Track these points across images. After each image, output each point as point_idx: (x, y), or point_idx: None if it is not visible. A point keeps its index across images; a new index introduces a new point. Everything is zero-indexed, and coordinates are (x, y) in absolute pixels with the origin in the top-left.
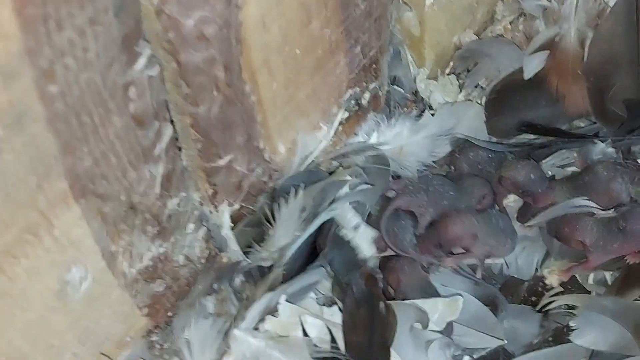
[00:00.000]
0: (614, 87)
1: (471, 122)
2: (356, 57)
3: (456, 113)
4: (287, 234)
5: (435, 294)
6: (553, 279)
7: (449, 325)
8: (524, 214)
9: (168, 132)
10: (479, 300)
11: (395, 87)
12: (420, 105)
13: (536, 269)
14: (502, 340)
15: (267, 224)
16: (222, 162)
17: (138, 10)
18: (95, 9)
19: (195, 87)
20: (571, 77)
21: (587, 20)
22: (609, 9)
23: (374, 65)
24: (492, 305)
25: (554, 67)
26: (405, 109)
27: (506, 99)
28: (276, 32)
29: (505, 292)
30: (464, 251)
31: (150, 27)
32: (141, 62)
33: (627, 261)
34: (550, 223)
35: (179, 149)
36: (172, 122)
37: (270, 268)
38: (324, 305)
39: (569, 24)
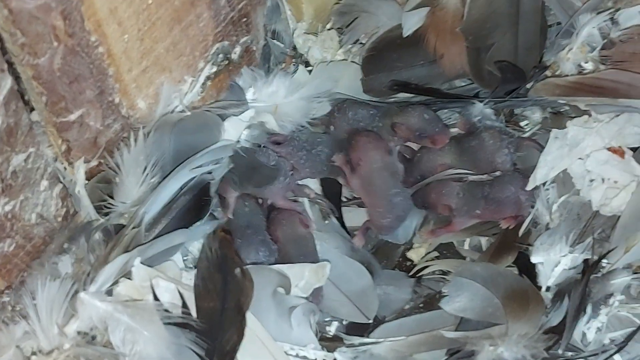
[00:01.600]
0: (492, 47)
1: (349, 81)
2: (222, 10)
3: (333, 73)
4: (135, 182)
5: (313, 251)
6: (419, 240)
7: (316, 291)
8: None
9: (6, 84)
10: None
11: (275, 41)
12: (298, 60)
13: (413, 233)
14: (369, 320)
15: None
16: (72, 117)
17: None
18: None
19: (32, 36)
20: (450, 35)
21: None
22: None
23: (245, 19)
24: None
25: (433, 24)
26: (283, 65)
27: (383, 56)
28: None
29: (379, 257)
30: None
31: None
32: None
33: (501, 226)
34: (418, 192)
35: (27, 102)
36: (14, 70)
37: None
38: (192, 268)
39: None
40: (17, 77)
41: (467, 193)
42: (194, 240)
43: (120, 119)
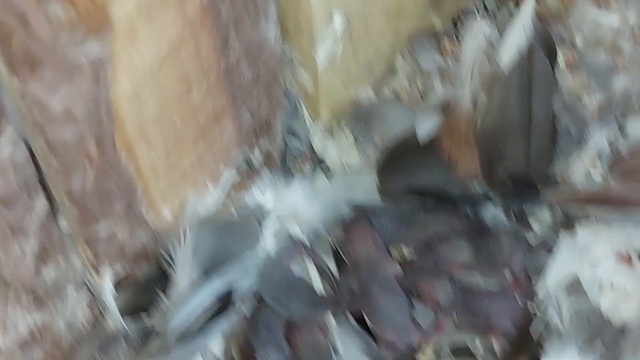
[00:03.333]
0: (504, 157)
1: (366, 189)
2: (245, 122)
3: (352, 180)
4: (185, 279)
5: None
6: None
7: None
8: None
9: (40, 204)
10: None
11: (292, 139)
12: (315, 159)
13: None
14: None
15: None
16: (101, 230)
17: None
18: None
19: (66, 161)
20: (464, 142)
21: (481, 85)
22: (503, 75)
23: (266, 127)
24: None
25: (447, 131)
26: (300, 163)
27: (398, 161)
28: (152, 104)
29: None
30: None
31: (15, 106)
32: (2, 141)
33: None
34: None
35: (55, 215)
36: (46, 190)
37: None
38: None
39: (464, 87)
40: (49, 196)
41: (459, 296)
42: (213, 338)
43: (146, 229)
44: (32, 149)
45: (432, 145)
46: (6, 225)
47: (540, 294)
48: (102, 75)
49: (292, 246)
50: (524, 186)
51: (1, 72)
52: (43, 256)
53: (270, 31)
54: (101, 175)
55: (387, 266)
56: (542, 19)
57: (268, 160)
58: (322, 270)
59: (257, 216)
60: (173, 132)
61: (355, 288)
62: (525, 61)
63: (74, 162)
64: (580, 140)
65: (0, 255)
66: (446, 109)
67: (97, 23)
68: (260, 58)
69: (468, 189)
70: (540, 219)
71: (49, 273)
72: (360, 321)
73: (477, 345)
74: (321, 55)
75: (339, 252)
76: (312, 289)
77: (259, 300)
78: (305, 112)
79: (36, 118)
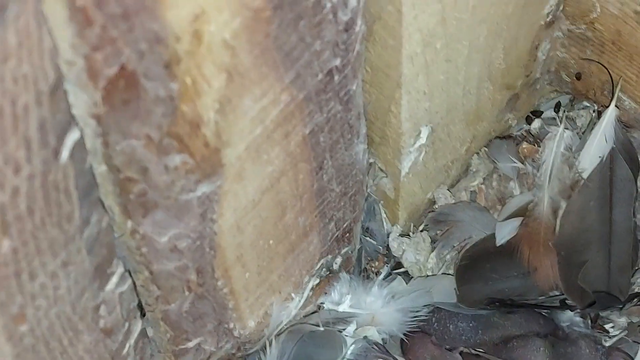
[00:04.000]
0: (585, 264)
1: (443, 293)
2: (329, 232)
3: (429, 284)
4: None
5: None
6: None
7: None
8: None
9: (137, 328)
10: None
11: (368, 238)
12: (391, 261)
13: None
14: None
15: None
16: (190, 345)
17: (111, 236)
18: (69, 252)
19: (167, 290)
20: (543, 248)
21: (560, 190)
22: (583, 180)
23: (347, 234)
24: None
25: (526, 236)
26: (376, 263)
27: (477, 267)
28: (250, 231)
29: None
30: None
31: (123, 241)
32: (113, 281)
33: None
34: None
35: (147, 332)
36: (142, 313)
37: None
38: None
39: (543, 192)
40: (143, 313)
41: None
42: None
43: (232, 340)
44: (134, 279)
45: (511, 250)
46: (108, 355)
47: None
48: (209, 213)
49: (369, 349)
50: (605, 297)
51: (115, 215)
52: None
53: (360, 148)
54: (198, 300)
55: None
56: (623, 126)
57: (346, 263)
58: None
59: (338, 323)
60: (267, 252)
61: None
62: (607, 168)
63: (174, 289)
64: None
65: None
66: (525, 212)
67: (210, 167)
68: (350, 174)
69: (547, 296)
70: (616, 325)
71: None
72: None
73: None
74: (405, 164)
75: None
76: None
77: None
78: (383, 215)
79: (144, 254)
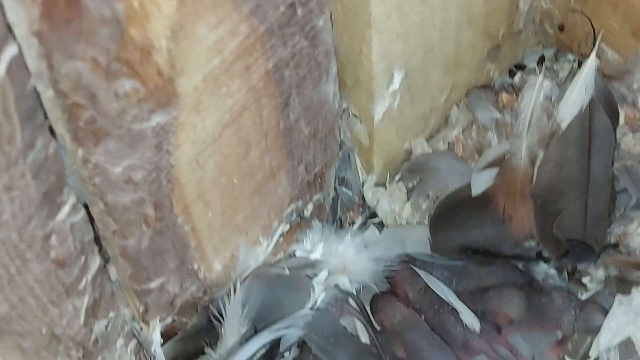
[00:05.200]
0: (561, 214)
1: (416, 242)
2: (299, 175)
3: (402, 234)
4: (233, 333)
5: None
6: None
7: None
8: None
9: (95, 263)
10: None
11: (343, 188)
12: (366, 211)
13: None
14: None
15: (219, 322)
16: (153, 285)
17: (61, 164)
18: (11, 176)
19: (124, 223)
20: (519, 197)
21: (539, 139)
22: (561, 130)
23: (319, 179)
24: None
25: (502, 185)
26: (351, 213)
27: (452, 215)
28: (211, 167)
29: None
30: None
31: (76, 170)
32: (64, 211)
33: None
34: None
35: (107, 269)
36: (100, 246)
37: None
38: None
39: (521, 142)
40: (101, 250)
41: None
42: None
43: (196, 282)
44: (90, 211)
45: (487, 200)
46: (61, 287)
47: (593, 353)
48: (164, 144)
49: (341, 299)
50: (580, 246)
51: (66, 143)
52: (95, 312)
53: (330, 89)
54: (157, 235)
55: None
56: (604, 77)
57: (319, 211)
58: (367, 326)
59: (308, 269)
60: (230, 191)
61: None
62: (586, 118)
63: (131, 223)
64: (639, 204)
65: (54, 315)
66: (502, 163)
67: (165, 97)
68: (319, 115)
69: (522, 246)
70: (593, 278)
71: (99, 327)
72: None
73: None
74: (378, 109)
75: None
76: (359, 343)
77: (305, 351)
78: (358, 163)
79: (97, 184)
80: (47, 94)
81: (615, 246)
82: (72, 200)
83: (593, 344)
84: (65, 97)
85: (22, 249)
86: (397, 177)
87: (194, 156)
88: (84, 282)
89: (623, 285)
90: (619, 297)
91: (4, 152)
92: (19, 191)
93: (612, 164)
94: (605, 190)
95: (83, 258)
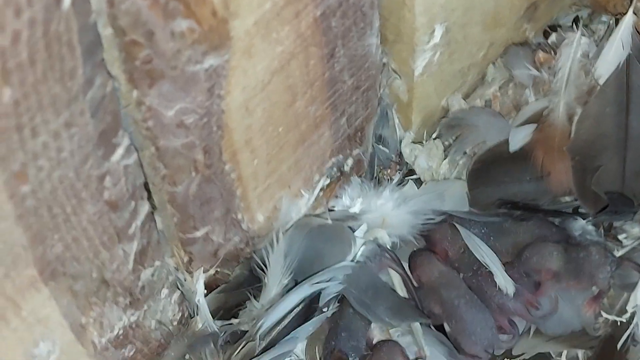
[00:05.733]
0: (599, 169)
1: (454, 197)
2: (341, 128)
3: (441, 189)
4: (275, 284)
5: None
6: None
7: None
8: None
9: (144, 209)
10: None
11: (380, 146)
12: (403, 168)
13: None
14: None
15: (262, 272)
16: (198, 234)
17: (116, 105)
18: (72, 113)
19: (174, 169)
20: (557, 153)
21: (576, 96)
22: (599, 86)
23: (359, 133)
24: None
25: (540, 141)
26: (388, 170)
27: (490, 170)
28: (259, 114)
29: None
30: None
31: (129, 113)
32: (119, 152)
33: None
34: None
35: (154, 218)
36: (149, 195)
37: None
38: None
39: (559, 98)
40: (150, 198)
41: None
42: (299, 342)
43: (240, 233)
44: (140, 156)
45: (525, 156)
46: (113, 230)
47: (629, 307)
48: (216, 89)
49: (380, 253)
50: (619, 200)
51: (120, 85)
52: (142, 259)
53: (373, 41)
54: (205, 182)
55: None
56: None
57: (357, 166)
58: (406, 281)
59: (349, 221)
60: (276, 140)
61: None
62: (623, 74)
63: (180, 169)
64: None
65: (105, 258)
66: (540, 119)
67: (218, 39)
68: (363, 67)
69: (559, 202)
70: (629, 235)
71: (146, 274)
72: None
73: (563, 356)
74: (419, 63)
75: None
76: (398, 297)
77: (344, 304)
78: (396, 120)
79: (150, 127)
80: (106, 32)
81: None
82: (126, 142)
83: (630, 299)
84: (124, 35)
85: (78, 188)
86: (434, 134)
87: (244, 102)
88: (133, 227)
89: None
90: None
91: (65, 86)
92: (77, 128)
93: None
94: None
95: (133, 203)
